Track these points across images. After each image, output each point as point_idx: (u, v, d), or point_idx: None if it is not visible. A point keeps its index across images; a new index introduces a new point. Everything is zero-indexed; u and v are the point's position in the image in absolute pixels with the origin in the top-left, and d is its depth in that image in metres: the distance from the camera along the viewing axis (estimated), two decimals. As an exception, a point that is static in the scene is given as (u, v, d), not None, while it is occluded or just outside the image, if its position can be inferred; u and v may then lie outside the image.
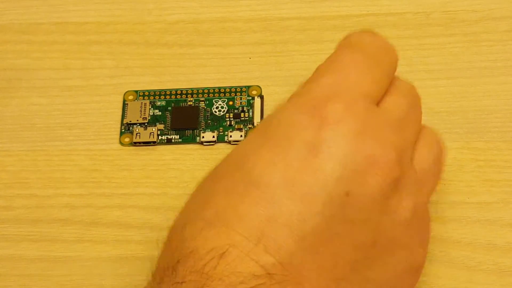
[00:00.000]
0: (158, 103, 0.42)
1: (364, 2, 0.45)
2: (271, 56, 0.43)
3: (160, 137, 0.41)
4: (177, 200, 0.39)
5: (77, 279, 0.37)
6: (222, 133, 0.41)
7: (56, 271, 0.38)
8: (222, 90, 0.42)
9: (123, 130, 0.41)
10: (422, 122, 0.41)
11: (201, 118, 0.41)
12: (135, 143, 0.41)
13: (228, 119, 0.41)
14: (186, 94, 0.42)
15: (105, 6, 0.46)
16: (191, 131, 0.41)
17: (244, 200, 0.25)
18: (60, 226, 0.39)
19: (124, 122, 0.42)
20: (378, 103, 0.29)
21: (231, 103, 0.42)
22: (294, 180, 0.24)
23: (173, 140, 0.41)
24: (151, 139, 0.41)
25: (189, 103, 0.42)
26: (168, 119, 0.41)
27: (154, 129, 0.41)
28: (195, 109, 0.42)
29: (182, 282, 0.23)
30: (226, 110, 0.42)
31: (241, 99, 0.42)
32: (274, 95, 0.42)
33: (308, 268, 0.24)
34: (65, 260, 0.38)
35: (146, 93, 0.42)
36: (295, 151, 0.25)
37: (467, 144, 0.40)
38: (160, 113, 0.42)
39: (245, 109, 0.42)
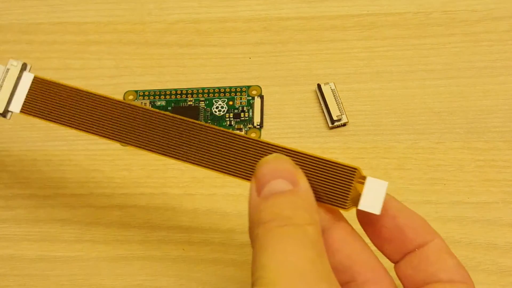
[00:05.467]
0: (158, 103, 0.42)
1: (364, 2, 0.45)
2: (271, 56, 0.43)
3: (160, 137, 0.41)
4: (177, 200, 0.40)
5: (77, 279, 0.37)
6: (222, 133, 0.41)
7: (56, 271, 0.38)
8: (222, 90, 0.42)
9: (123, 130, 0.41)
10: (422, 122, 0.41)
11: (201, 118, 0.41)
12: (135, 143, 0.41)
13: (228, 119, 0.41)
14: (186, 94, 0.42)
15: (105, 6, 0.46)
16: (191, 131, 0.41)
17: None
18: (60, 226, 0.39)
19: (124, 122, 0.42)
20: None
21: (231, 103, 0.42)
22: None
23: (173, 140, 0.41)
24: (151, 139, 0.41)
25: (189, 103, 0.42)
26: (168, 119, 0.41)
27: (154, 129, 0.41)
28: (195, 109, 0.42)
29: None
30: (226, 110, 0.42)
31: (241, 99, 0.42)
32: (274, 95, 0.42)
33: None
34: (65, 260, 0.38)
35: (146, 93, 0.42)
36: None
37: (467, 144, 0.40)
38: (160, 113, 0.42)
39: (245, 109, 0.42)
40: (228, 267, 0.37)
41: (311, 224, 0.25)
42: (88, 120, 0.30)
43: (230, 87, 0.42)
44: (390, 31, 0.44)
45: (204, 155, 0.28)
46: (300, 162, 0.27)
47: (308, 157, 0.27)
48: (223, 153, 0.28)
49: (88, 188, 0.40)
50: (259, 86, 0.42)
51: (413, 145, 0.40)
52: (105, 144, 0.41)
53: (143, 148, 0.29)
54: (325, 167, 0.27)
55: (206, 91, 0.42)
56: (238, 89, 0.42)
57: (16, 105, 0.31)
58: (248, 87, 0.42)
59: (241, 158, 0.28)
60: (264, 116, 0.41)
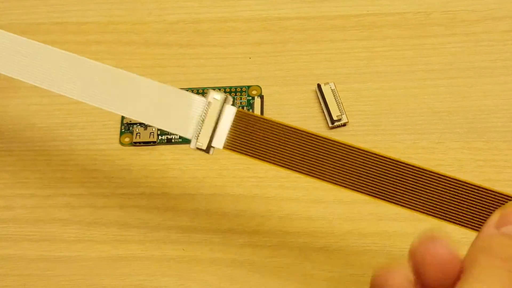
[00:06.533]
0: (158, 103, 0.42)
1: (364, 2, 0.45)
2: (271, 56, 0.43)
3: (160, 137, 0.41)
4: (177, 200, 0.40)
5: (77, 279, 0.37)
6: (222, 133, 0.41)
7: (56, 271, 0.38)
8: (222, 90, 0.42)
9: (123, 130, 0.41)
10: (422, 122, 0.41)
11: (201, 118, 0.41)
12: (135, 143, 0.41)
13: (228, 119, 0.41)
14: (186, 94, 0.42)
15: (105, 6, 0.46)
16: (191, 131, 0.41)
17: None
18: (60, 226, 0.39)
19: (124, 122, 0.42)
20: None
21: (231, 103, 0.42)
22: None
23: (173, 140, 0.41)
24: (151, 139, 0.41)
25: (189, 103, 0.42)
26: (168, 119, 0.41)
27: (154, 129, 0.41)
28: (195, 109, 0.42)
29: None
30: (226, 110, 0.42)
31: (241, 99, 0.42)
32: (274, 95, 0.42)
33: None
34: (65, 260, 0.38)
35: (146, 93, 0.42)
36: None
37: (467, 144, 0.40)
38: (160, 113, 0.42)
39: (245, 109, 0.41)
40: (228, 267, 0.37)
41: None
42: (297, 159, 0.28)
43: (230, 87, 0.42)
44: (390, 31, 0.44)
45: (428, 202, 0.28)
46: None
47: None
48: (448, 200, 0.28)
49: (88, 188, 0.40)
50: (259, 86, 0.42)
51: (413, 145, 0.40)
52: (105, 144, 0.41)
53: (359, 191, 0.28)
54: None
55: (206, 91, 0.42)
56: (238, 89, 0.42)
57: (219, 141, 0.30)
58: (248, 87, 0.42)
59: (469, 206, 0.28)
60: (264, 116, 0.41)
